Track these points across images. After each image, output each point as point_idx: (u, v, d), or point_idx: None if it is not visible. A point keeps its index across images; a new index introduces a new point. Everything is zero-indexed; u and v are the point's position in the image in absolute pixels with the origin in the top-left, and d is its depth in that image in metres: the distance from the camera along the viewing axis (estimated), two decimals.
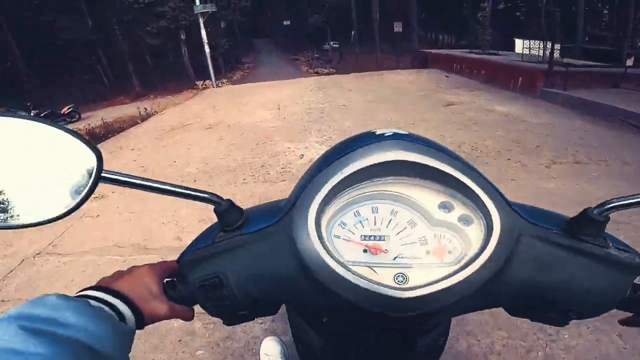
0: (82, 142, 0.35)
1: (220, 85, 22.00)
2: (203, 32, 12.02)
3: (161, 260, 0.48)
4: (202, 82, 22.92)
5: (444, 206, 0.42)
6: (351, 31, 31.15)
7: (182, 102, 12.55)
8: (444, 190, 0.42)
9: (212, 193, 0.43)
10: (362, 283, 0.37)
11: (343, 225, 0.42)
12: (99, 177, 0.36)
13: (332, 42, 34.82)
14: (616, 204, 0.38)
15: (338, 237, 0.42)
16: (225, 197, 0.43)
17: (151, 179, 0.40)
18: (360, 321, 0.46)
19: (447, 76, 10.21)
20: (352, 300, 0.38)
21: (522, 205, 0.44)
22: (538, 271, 0.40)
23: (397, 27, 26.15)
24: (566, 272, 0.40)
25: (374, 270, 0.40)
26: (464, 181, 0.40)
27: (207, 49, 12.49)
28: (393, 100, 7.41)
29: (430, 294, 0.37)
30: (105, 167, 0.37)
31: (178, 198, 0.42)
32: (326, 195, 0.40)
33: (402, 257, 0.41)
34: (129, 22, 20.81)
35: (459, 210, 0.42)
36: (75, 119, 16.31)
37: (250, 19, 44.88)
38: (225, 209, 0.43)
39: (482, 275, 0.37)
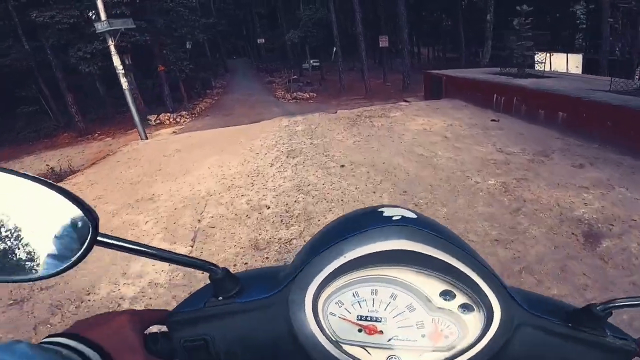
0: (78, 207, 0.34)
1: (175, 119, 17.49)
2: (115, 60, 7.78)
3: None
4: (156, 116, 18.59)
5: (446, 294, 0.41)
6: (332, 47, 27.44)
7: (121, 146, 8.26)
8: (447, 279, 0.40)
9: (207, 261, 0.42)
10: None
11: (340, 304, 0.41)
12: (94, 240, 0.34)
13: (312, 61, 30.93)
14: (620, 303, 0.39)
15: (334, 314, 0.41)
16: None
17: (148, 245, 0.39)
18: None
19: (494, 120, 6.20)
20: None
21: (524, 293, 0.45)
22: (534, 356, 0.41)
23: (383, 42, 22.27)
24: (562, 357, 0.41)
25: (367, 351, 0.40)
26: (466, 272, 0.39)
27: (124, 82, 8.18)
28: (443, 216, 3.26)
29: None
30: None
31: (175, 265, 0.41)
32: (326, 277, 0.40)
33: (397, 339, 0.40)
34: (57, 46, 16.37)
35: (460, 298, 0.41)
36: None
37: (224, 38, 40.82)
38: (220, 277, 0.42)
39: None
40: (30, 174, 0.33)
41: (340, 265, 0.39)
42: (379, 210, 0.44)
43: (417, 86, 20.18)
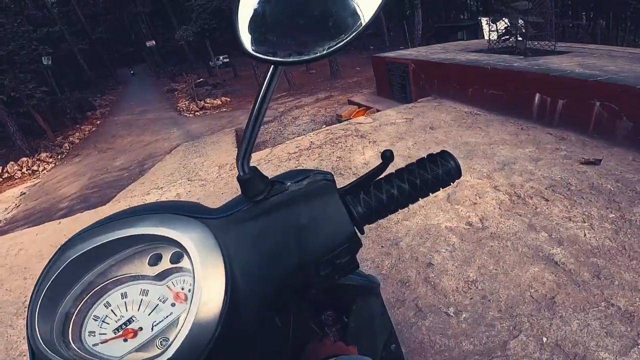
0: None
1: (30, 168, 11.07)
2: None
3: None
4: (1, 168, 12.23)
5: (153, 261, 0.39)
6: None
7: None
8: (139, 249, 0.38)
9: None
10: None
11: (92, 334, 0.37)
12: None
13: (222, 57, 25.55)
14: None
15: (97, 344, 0.37)
16: None
17: None
18: None
19: (590, 162, 2.70)
20: None
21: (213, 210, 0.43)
22: (248, 245, 0.39)
23: None
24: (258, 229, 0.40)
25: (141, 351, 0.36)
26: (140, 233, 0.37)
27: None
28: None
29: (191, 337, 0.34)
30: None
31: None
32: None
33: (157, 324, 0.37)
34: None
35: (166, 254, 0.39)
36: None
37: (107, 47, 32.66)
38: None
39: (215, 285, 0.35)
40: None
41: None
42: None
43: (345, 72, 16.52)
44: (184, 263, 0.38)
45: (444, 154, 0.44)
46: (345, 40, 0.31)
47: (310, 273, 0.40)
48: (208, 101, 16.04)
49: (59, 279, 0.37)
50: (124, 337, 0.37)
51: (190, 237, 0.37)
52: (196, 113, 14.77)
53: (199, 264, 0.36)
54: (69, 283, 0.37)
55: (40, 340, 0.34)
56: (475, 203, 2.35)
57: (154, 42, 23.44)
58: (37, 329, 0.35)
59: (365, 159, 3.38)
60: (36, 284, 0.37)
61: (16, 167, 11.69)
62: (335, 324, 0.56)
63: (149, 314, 0.38)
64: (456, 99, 4.54)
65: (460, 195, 2.46)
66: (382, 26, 19.63)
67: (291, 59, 0.32)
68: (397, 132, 3.87)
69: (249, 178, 0.40)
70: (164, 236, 0.37)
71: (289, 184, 0.42)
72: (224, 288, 0.36)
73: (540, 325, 1.44)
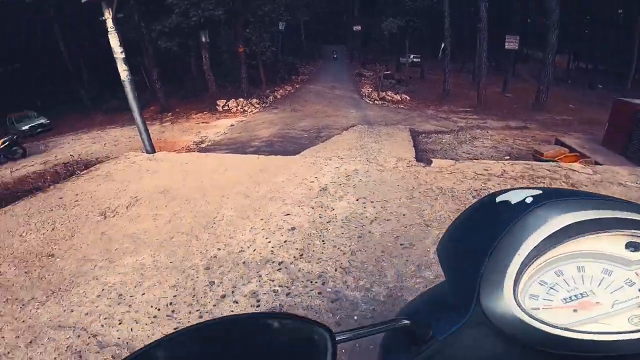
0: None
1: (243, 108, 14.73)
2: (113, 40, 5.03)
3: None
4: (224, 102, 16.32)
5: (631, 246, 0.39)
6: (440, 42, 22.25)
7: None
8: (622, 233, 0.39)
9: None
10: (595, 337, 0.35)
11: (535, 297, 0.38)
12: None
13: (412, 55, 25.94)
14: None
15: (537, 309, 0.38)
16: None
17: None
18: None
19: None
20: (593, 354, 0.35)
21: None
22: None
23: (512, 43, 16.38)
24: None
25: (601, 323, 0.37)
26: (630, 217, 0.37)
27: (123, 71, 5.38)
28: None
29: None
30: None
31: None
32: (516, 272, 0.36)
33: (620, 303, 0.37)
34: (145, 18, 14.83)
35: None
36: (16, 157, 9.67)
37: (322, 23, 37.66)
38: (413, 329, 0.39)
39: None
40: None
41: (524, 257, 0.37)
42: (504, 196, 0.41)
43: (555, 104, 14.23)
44: None
45: None
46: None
47: None
48: (389, 94, 16.78)
49: (545, 241, 0.37)
50: (574, 308, 0.37)
51: None
52: (375, 101, 15.75)
53: None
54: (547, 247, 0.38)
55: (515, 298, 0.36)
56: None
57: (359, 27, 25.73)
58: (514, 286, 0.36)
59: None
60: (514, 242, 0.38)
61: (234, 104, 15.39)
62: None
63: (611, 292, 0.38)
64: None
65: None
66: (630, 61, 15.65)
67: None
68: (625, 198, 3.23)
69: None
70: None
71: None
72: None
73: None
